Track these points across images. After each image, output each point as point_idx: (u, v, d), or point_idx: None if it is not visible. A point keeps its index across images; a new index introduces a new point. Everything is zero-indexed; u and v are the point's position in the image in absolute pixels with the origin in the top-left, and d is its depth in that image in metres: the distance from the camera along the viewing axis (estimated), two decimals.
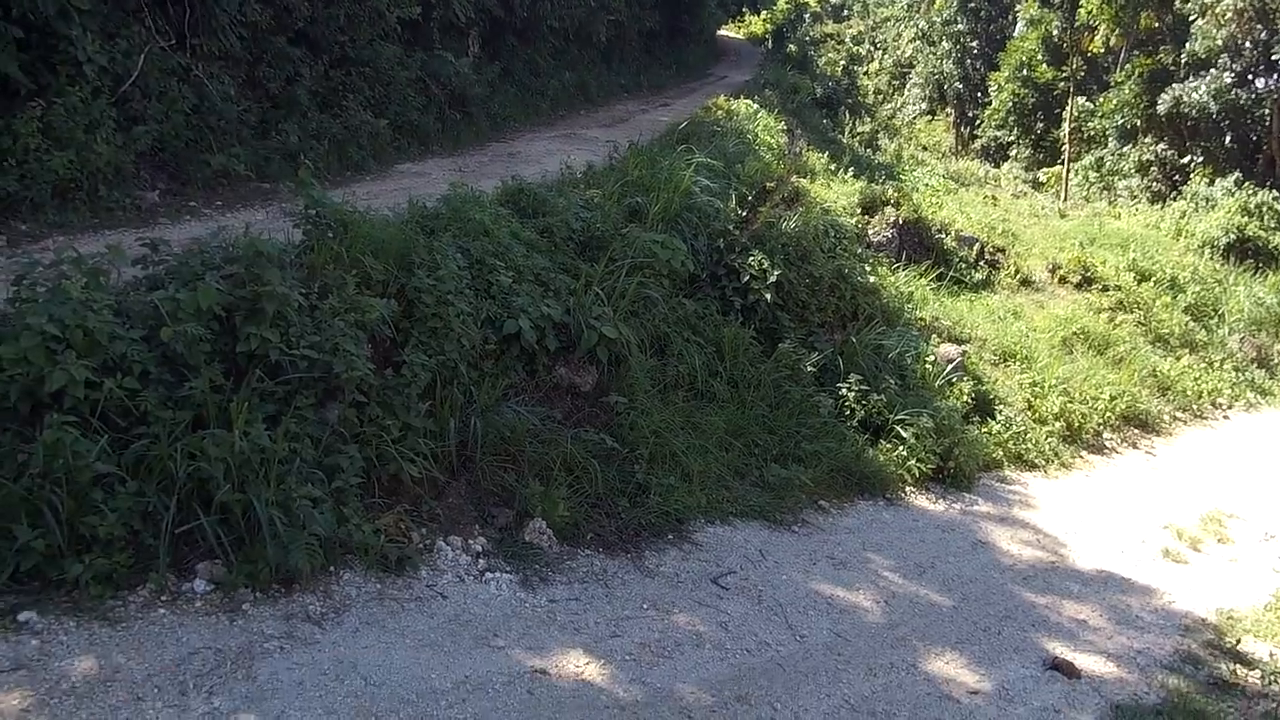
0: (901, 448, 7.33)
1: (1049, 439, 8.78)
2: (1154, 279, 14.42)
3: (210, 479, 4.00)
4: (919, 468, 7.28)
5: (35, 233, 6.37)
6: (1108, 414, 9.68)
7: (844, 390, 7.57)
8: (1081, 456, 9.01)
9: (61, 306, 3.98)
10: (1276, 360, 13.70)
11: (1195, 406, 11.27)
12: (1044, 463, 8.50)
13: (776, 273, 7.94)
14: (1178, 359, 12.06)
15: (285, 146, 9.13)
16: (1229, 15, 21.16)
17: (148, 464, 4.00)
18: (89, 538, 3.72)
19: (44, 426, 3.73)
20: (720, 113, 14.71)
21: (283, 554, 4.00)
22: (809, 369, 7.66)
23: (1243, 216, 18.06)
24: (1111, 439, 9.59)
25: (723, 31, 36.44)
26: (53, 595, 3.66)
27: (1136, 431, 10.05)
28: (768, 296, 7.87)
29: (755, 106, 15.77)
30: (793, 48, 30.30)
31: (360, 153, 10.07)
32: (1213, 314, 14.39)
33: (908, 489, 7.23)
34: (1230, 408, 11.78)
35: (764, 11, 36.99)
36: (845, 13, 54.13)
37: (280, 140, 9.18)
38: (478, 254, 6.21)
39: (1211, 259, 17.19)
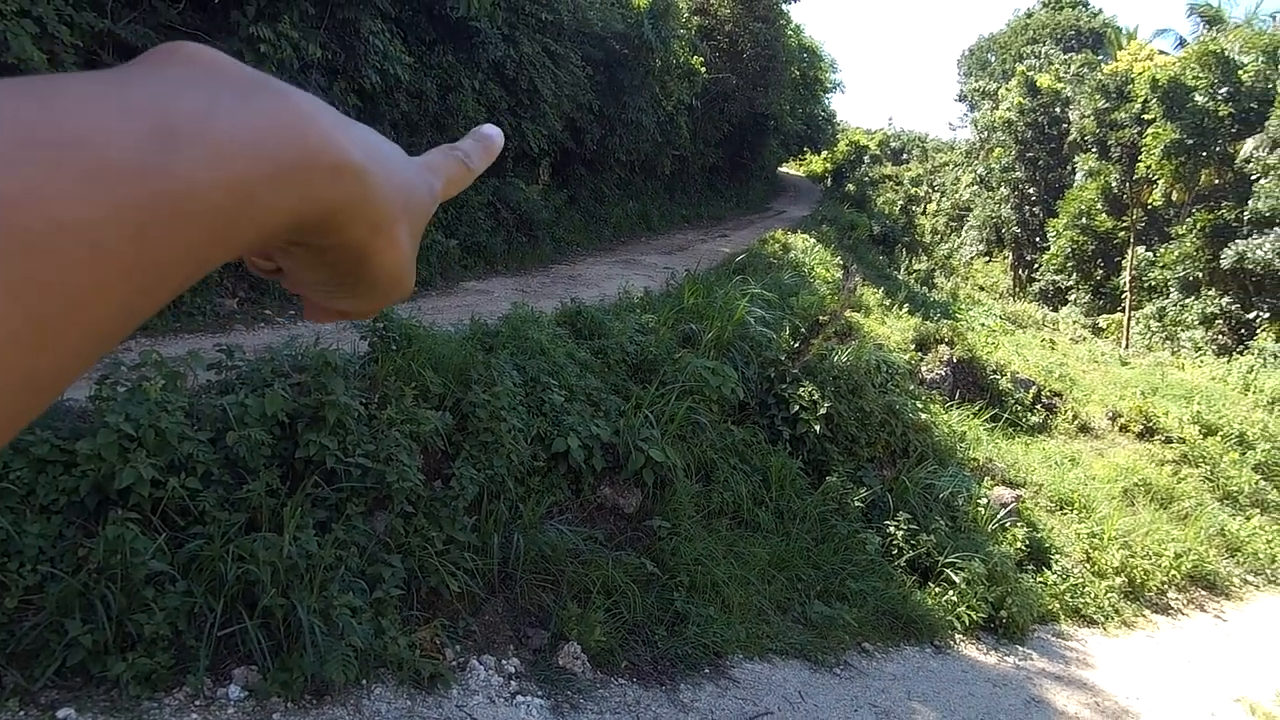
0: (951, 592, 7.10)
1: (1109, 594, 8.40)
2: (1220, 434, 13.99)
3: (257, 582, 4.08)
4: (969, 615, 7.01)
5: None
6: (1172, 572, 9.25)
7: (892, 528, 7.42)
8: (1144, 615, 8.57)
9: (139, 407, 4.19)
10: None
11: (1269, 571, 10.70)
12: (1103, 619, 8.10)
13: (826, 404, 7.96)
14: (1248, 519, 11.53)
15: None
16: None
17: (199, 564, 4.10)
18: (135, 635, 3.79)
19: (107, 522, 3.87)
20: (777, 245, 15.11)
21: (319, 664, 4.01)
22: (856, 504, 7.55)
23: None
24: (1177, 599, 9.12)
25: (783, 168, 37.78)
26: (93, 693, 3.70)
27: (1204, 593, 9.55)
28: (817, 428, 7.86)
29: (812, 241, 16.16)
30: (851, 186, 31.23)
31: (429, 270, 10.55)
32: None
33: (957, 637, 6.95)
34: None
35: (824, 151, 38.36)
36: (904, 156, 55.80)
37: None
38: (533, 372, 6.39)
39: None
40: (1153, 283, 26.75)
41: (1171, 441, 12.91)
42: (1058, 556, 8.50)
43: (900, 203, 36.04)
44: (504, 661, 4.93)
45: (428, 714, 4.31)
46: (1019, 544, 8.08)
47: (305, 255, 0.39)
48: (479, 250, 11.90)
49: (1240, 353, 21.21)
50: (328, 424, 4.67)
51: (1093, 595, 8.24)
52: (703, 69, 19.80)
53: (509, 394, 5.90)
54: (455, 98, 11.41)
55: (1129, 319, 25.95)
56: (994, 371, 12.47)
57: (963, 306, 20.89)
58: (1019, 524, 8.37)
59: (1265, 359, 19.56)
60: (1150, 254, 27.09)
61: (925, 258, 29.97)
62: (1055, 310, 30.01)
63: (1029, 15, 49.04)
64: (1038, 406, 12.66)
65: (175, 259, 0.29)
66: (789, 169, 39.82)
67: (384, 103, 10.37)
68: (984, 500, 8.39)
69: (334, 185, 0.34)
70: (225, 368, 5.01)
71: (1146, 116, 25.56)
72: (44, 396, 0.28)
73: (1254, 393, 17.76)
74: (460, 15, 10.83)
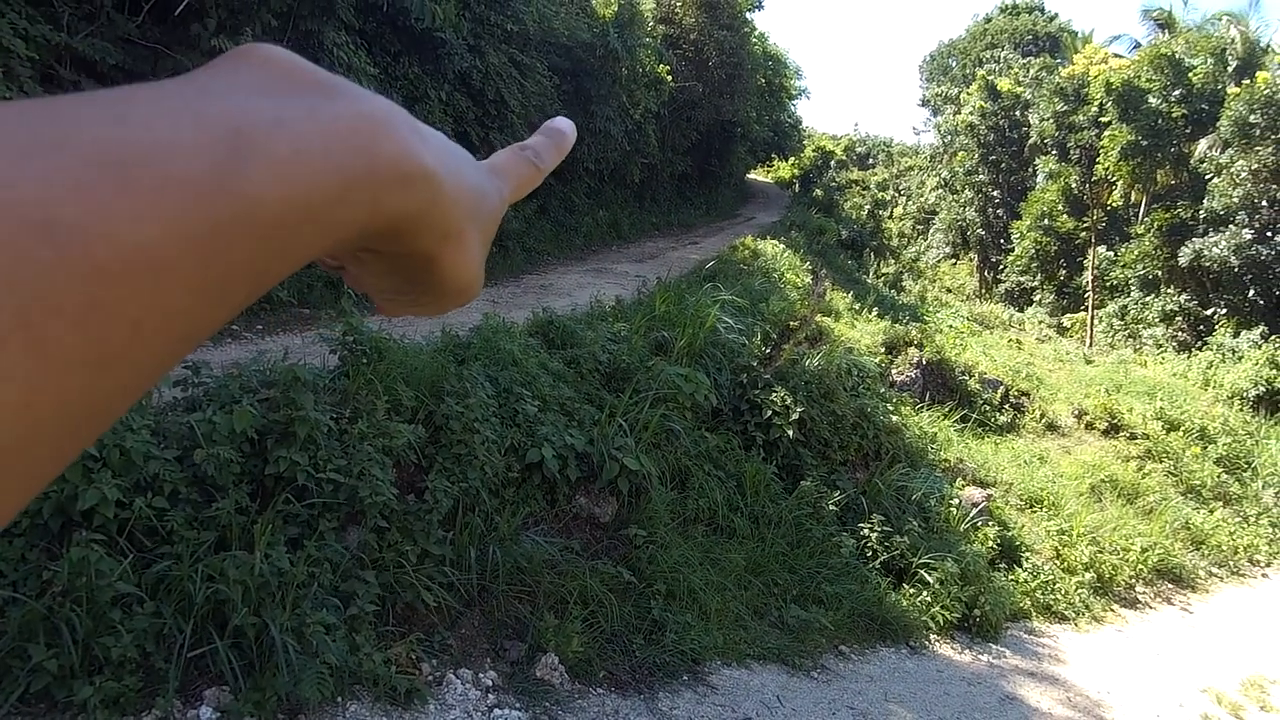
0: (925, 593, 7.17)
1: (1079, 590, 8.53)
2: (1183, 429, 14.29)
3: (227, 601, 4.02)
4: (943, 615, 7.08)
5: None
6: (1139, 566, 9.42)
7: (866, 531, 7.48)
8: (1113, 610, 8.72)
9: None
10: None
11: (1232, 563, 10.93)
12: (1074, 615, 8.22)
13: (799, 409, 8.01)
14: (1211, 512, 11.78)
15: (328, 275, 9.51)
16: (1244, 175, 21.81)
17: (167, 584, 4.03)
18: (102, 659, 3.71)
19: (72, 544, 3.80)
20: (747, 252, 15.20)
21: (292, 683, 3.96)
22: (831, 507, 7.61)
23: (1271, 369, 18.01)
24: (1145, 593, 9.29)
25: (752, 175, 38.04)
26: (58, 719, 3.62)
27: (1170, 586, 9.74)
28: (790, 433, 7.91)
29: (781, 247, 16.29)
30: (819, 192, 31.52)
31: None
32: (1245, 466, 14.12)
33: (932, 637, 7.01)
34: (1269, 565, 11.39)
35: (792, 158, 38.68)
36: (870, 161, 56.41)
37: (323, 269, 9.59)
38: (506, 383, 6.36)
39: (1241, 410, 17.03)
40: (1114, 282, 27.29)
41: (1136, 438, 13.17)
42: (1028, 554, 8.62)
43: (867, 207, 36.44)
44: (481, 675, 4.89)
45: None
46: (990, 543, 8.18)
47: (374, 262, 0.38)
48: None
49: (1200, 349, 21.69)
50: (298, 439, 4.62)
51: (1063, 592, 8.36)
52: (669, 77, 19.90)
53: (482, 405, 5.87)
54: (422, 109, 11.36)
55: (1092, 318, 26.44)
56: (962, 372, 12.63)
57: (930, 309, 21.17)
58: (990, 523, 8.48)
59: (1224, 354, 20.02)
60: (1111, 253, 27.63)
61: (893, 261, 30.35)
62: (1021, 311, 30.52)
63: (988, 20, 49.88)
64: (1006, 406, 12.84)
65: (239, 275, 0.28)
66: (757, 175, 40.10)
67: None
68: (955, 501, 8.49)
69: (405, 195, 0.33)
70: (192, 384, 4.94)
71: (1103, 119, 26.09)
72: (103, 421, 0.27)
73: (1214, 387, 18.18)
74: (425, 26, 10.80)
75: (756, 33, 28.37)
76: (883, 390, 10.39)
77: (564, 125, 0.50)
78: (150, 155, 0.26)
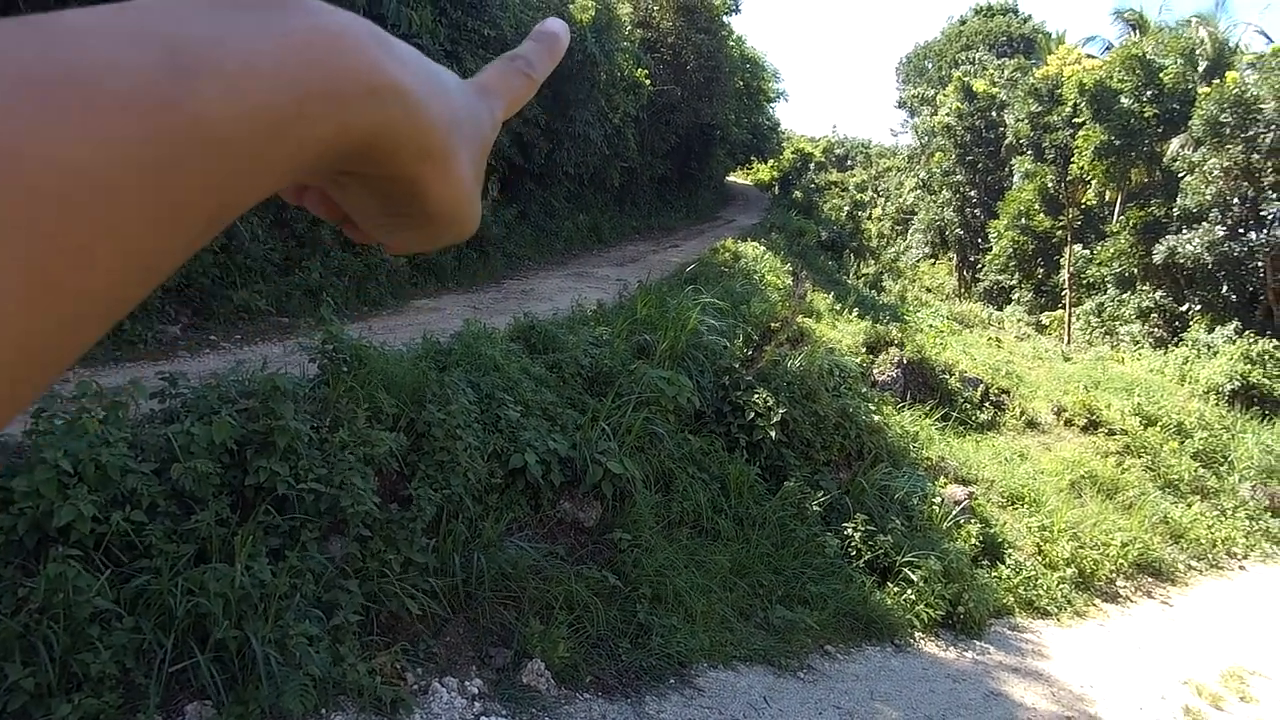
0: (910, 591, 7.21)
1: (1060, 585, 8.60)
2: (1160, 424, 14.45)
3: (208, 615, 3.97)
4: (928, 613, 7.12)
5: None
6: (1120, 561, 9.52)
7: (850, 530, 7.51)
8: (1095, 605, 8.80)
9: (78, 441, 4.06)
10: None
11: (1210, 556, 11.06)
12: (1056, 610, 8.29)
13: (781, 410, 8.03)
14: (1189, 506, 11.92)
15: (307, 283, 9.49)
16: (1216, 173, 22.12)
17: (146, 599, 3.98)
18: (80, 676, 3.66)
19: (48, 560, 3.74)
20: (727, 254, 15.24)
21: (275, 695, 3.92)
22: (814, 508, 7.63)
23: (1245, 364, 18.26)
24: (1125, 587, 9.38)
25: (731, 178, 38.15)
26: None
27: (1150, 580, 9.84)
28: (773, 434, 7.93)
29: (761, 249, 16.35)
30: (798, 194, 31.65)
31: (379, 289, 10.43)
32: (1221, 461, 14.31)
33: (917, 635, 7.05)
34: (1246, 558, 11.54)
35: (771, 160, 38.84)
36: (849, 162, 56.72)
37: (302, 277, 9.55)
38: (488, 389, 6.34)
39: (1217, 405, 17.26)
40: (1091, 279, 27.59)
41: (1114, 434, 13.31)
42: (1010, 551, 8.68)
43: (846, 208, 36.63)
44: (467, 683, 4.87)
45: None
46: (973, 540, 8.24)
47: (355, 185, 0.36)
48: (429, 268, 11.79)
49: (1175, 345, 21.96)
50: (278, 450, 4.58)
51: (1045, 587, 8.43)
52: (647, 81, 19.93)
53: (464, 412, 5.85)
54: None
55: (1070, 315, 26.71)
56: (943, 371, 12.72)
57: (910, 308, 21.30)
58: (972, 521, 8.54)
59: (1199, 350, 20.28)
60: (1087, 252, 27.94)
61: (872, 261, 30.49)
62: (1000, 309, 30.78)
63: (963, 22, 50.36)
64: (986, 404, 12.94)
65: (196, 200, 0.27)
66: (737, 178, 40.22)
67: None
68: (938, 499, 8.55)
69: (373, 111, 0.32)
70: (169, 396, 4.89)
71: (1077, 119, 26.39)
72: (50, 361, 0.25)
73: (1190, 383, 18.41)
74: (401, 33, 10.76)
75: (734, 36, 28.48)
76: (864, 390, 10.44)
77: (556, 27, 0.47)
78: (83, 74, 0.25)
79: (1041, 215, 30.68)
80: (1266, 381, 17.93)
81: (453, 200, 0.38)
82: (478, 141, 0.39)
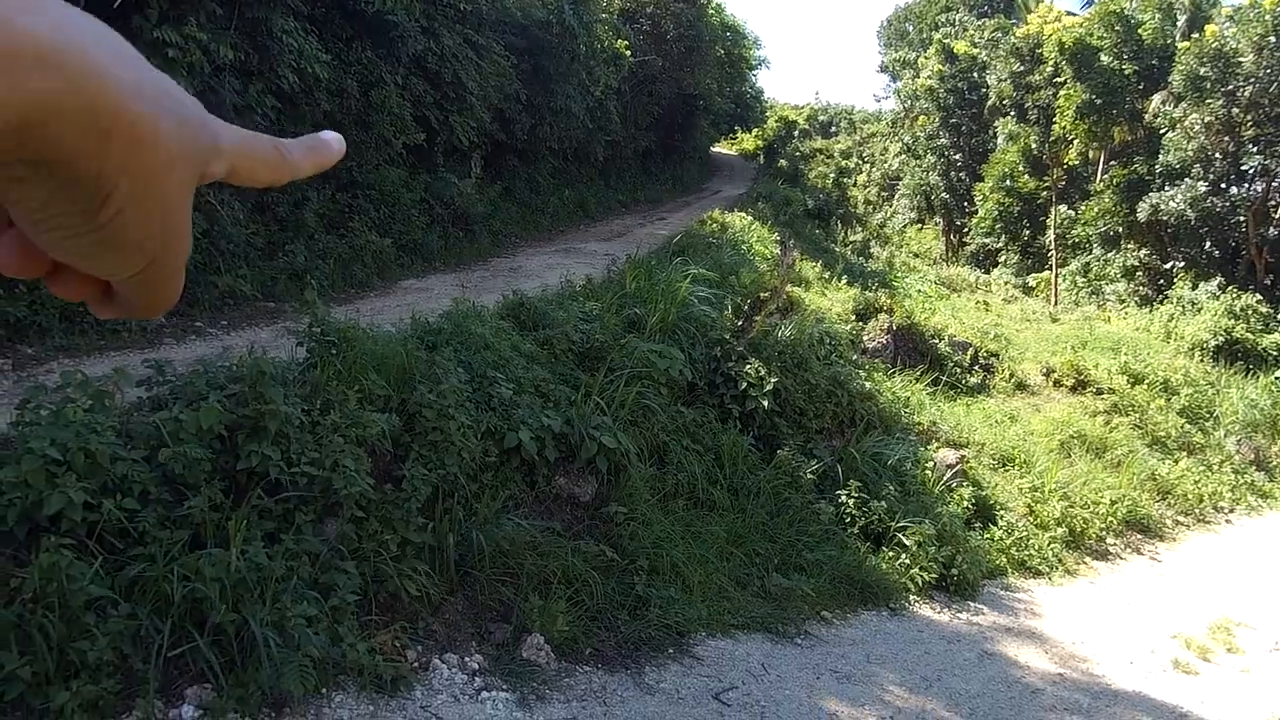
0: (904, 556, 7.27)
1: (1052, 545, 8.70)
2: (1147, 382, 14.56)
3: (205, 599, 3.97)
4: (922, 576, 7.19)
5: (41, 356, 6.47)
6: (1109, 518, 9.62)
7: (844, 497, 7.56)
8: (1085, 563, 8.91)
9: (64, 430, 4.02)
10: (1275, 462, 13.67)
11: (1197, 510, 11.19)
12: (1048, 570, 8.39)
13: (773, 380, 8.05)
14: (1176, 462, 12.05)
15: (292, 267, 9.40)
16: (1197, 129, 22.11)
17: (142, 585, 3.97)
18: (77, 663, 3.66)
19: (40, 550, 3.72)
20: (715, 226, 15.19)
21: (275, 677, 3.93)
22: (808, 476, 7.67)
23: (1229, 319, 18.39)
24: (1115, 544, 9.49)
25: (716, 149, 37.93)
26: None
27: (1139, 536, 9.96)
28: (765, 404, 7.95)
29: (749, 219, 16.30)
30: (784, 163, 31.54)
31: (365, 271, 10.35)
32: (1207, 416, 14.45)
33: (911, 598, 7.12)
34: (1232, 511, 11.68)
35: (755, 129, 38.62)
36: (833, 129, 56.45)
37: (287, 261, 9.46)
38: (479, 367, 6.32)
39: (1202, 361, 17.39)
40: (1076, 240, 27.64)
41: (1102, 393, 13.40)
42: (1002, 512, 8.76)
43: (832, 176, 36.53)
44: (467, 659, 4.89)
45: (391, 717, 4.27)
46: (965, 503, 8.31)
47: (33, 179, 0.32)
48: (415, 248, 11.71)
49: (1160, 302, 22.08)
50: (269, 434, 4.56)
51: (1037, 547, 8.53)
52: (628, 52, 19.73)
53: (456, 391, 5.83)
54: (378, 94, 11.16)
55: (1056, 276, 26.79)
56: (932, 336, 12.76)
57: (899, 274, 21.33)
58: (964, 484, 8.61)
59: (1183, 306, 20.40)
60: (1072, 212, 27.96)
61: (860, 228, 30.48)
62: (987, 272, 30.84)
63: None
64: (976, 368, 13.00)
65: None
66: (721, 148, 40.00)
67: (304, 103, 10.10)
68: (930, 463, 8.61)
69: (40, 78, 0.29)
70: (156, 383, 4.85)
71: (1059, 79, 26.29)
72: None
73: (1175, 340, 18.54)
74: (376, 9, 10.59)
75: (713, 3, 28.18)
76: (855, 357, 10.47)
77: (330, 137, 0.46)
78: None
79: (1026, 177, 30.65)
80: (1250, 336, 18.08)
81: (149, 217, 0.33)
82: (186, 148, 0.35)
